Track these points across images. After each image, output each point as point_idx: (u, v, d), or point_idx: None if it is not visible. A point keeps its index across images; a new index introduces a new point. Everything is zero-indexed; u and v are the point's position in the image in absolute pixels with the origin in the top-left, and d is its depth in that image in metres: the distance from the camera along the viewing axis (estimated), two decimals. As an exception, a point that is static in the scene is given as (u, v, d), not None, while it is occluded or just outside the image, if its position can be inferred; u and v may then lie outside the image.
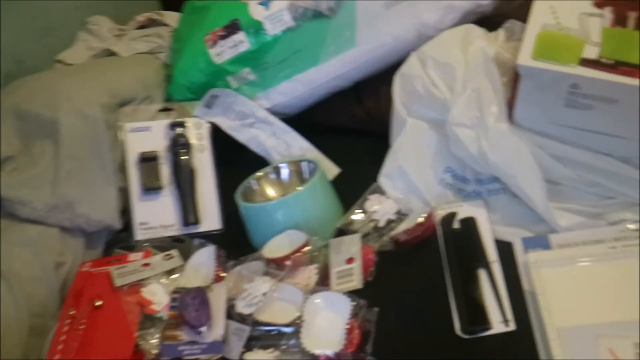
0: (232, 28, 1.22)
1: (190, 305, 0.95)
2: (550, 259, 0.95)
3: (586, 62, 0.93)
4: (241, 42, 1.21)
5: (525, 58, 0.96)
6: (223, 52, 1.23)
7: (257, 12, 1.21)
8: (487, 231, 1.03)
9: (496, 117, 1.01)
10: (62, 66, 1.44)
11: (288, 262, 0.99)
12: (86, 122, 1.14)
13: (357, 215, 1.09)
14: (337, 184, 1.17)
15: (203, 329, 0.93)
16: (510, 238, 1.02)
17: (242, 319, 0.95)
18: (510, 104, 1.02)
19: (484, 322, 0.91)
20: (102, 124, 1.15)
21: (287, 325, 0.91)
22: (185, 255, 1.09)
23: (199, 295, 0.97)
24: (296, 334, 0.90)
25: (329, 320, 0.90)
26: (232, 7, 1.24)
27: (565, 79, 0.93)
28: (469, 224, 1.04)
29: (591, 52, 0.93)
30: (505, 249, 1.01)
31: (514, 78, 1.00)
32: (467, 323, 0.91)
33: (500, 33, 1.11)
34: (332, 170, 1.21)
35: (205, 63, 1.25)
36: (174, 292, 0.99)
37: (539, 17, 1.00)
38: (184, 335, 0.93)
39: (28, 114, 1.15)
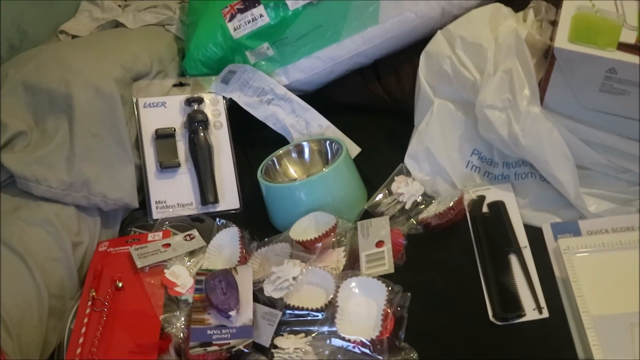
0: (251, 1, 1.18)
1: (218, 288, 0.93)
2: (582, 245, 0.94)
3: (624, 47, 0.91)
4: (260, 16, 1.17)
5: (562, 41, 0.94)
6: (241, 26, 1.19)
7: (277, -15, 1.17)
8: (516, 215, 1.02)
9: (528, 100, 0.99)
10: (66, 37, 1.39)
11: (318, 245, 0.97)
12: (101, 97, 1.10)
13: (383, 197, 1.07)
14: (356, 163, 1.15)
15: (232, 313, 0.90)
16: (538, 223, 1.01)
17: (271, 303, 0.93)
18: (541, 87, 1.01)
19: (517, 309, 0.90)
20: (118, 99, 1.11)
21: (318, 310, 0.90)
22: (205, 235, 1.06)
23: (226, 278, 0.94)
24: (328, 319, 0.89)
25: (363, 306, 0.89)
26: (251, -20, 1.19)
27: (603, 63, 0.92)
28: (498, 208, 1.03)
29: (629, 37, 0.92)
30: (533, 234, 1.00)
31: (549, 61, 0.98)
32: (500, 310, 0.90)
33: (530, 13, 1.09)
34: (352, 149, 1.18)
35: (223, 37, 1.20)
36: (198, 274, 0.97)
37: (573, -2, 0.97)
38: (211, 319, 0.91)
39: (39, 89, 1.10)
